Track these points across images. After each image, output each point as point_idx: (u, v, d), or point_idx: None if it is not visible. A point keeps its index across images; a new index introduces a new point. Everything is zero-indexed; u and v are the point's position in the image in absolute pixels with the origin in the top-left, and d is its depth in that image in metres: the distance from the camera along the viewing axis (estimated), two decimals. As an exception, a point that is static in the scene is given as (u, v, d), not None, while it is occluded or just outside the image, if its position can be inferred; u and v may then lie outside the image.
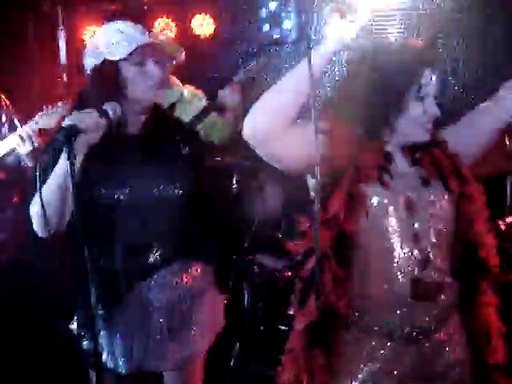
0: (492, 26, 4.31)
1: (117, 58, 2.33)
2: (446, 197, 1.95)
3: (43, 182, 2.17)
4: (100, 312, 2.40)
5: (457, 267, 1.98)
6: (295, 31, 5.00)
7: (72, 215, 2.22)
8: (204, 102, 3.46)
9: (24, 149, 3.43)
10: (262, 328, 3.97)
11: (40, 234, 2.28)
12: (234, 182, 4.09)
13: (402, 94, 1.89)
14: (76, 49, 5.25)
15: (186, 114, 3.12)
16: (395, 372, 1.92)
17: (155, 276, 2.47)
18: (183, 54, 2.46)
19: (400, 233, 1.90)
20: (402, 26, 3.88)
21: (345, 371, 1.92)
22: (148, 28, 4.90)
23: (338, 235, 1.86)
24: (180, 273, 2.52)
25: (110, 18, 5.23)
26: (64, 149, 2.08)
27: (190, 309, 2.52)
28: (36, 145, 3.42)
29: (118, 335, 2.45)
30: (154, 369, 2.50)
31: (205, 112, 3.09)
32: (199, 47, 5.24)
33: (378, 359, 1.92)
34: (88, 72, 2.41)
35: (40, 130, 3.44)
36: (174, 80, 3.53)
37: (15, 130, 3.57)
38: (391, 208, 1.90)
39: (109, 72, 2.34)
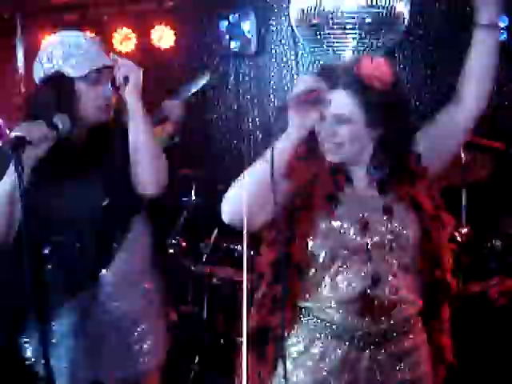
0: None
1: (71, 76, 2.31)
2: (409, 219, 1.97)
3: None
4: (47, 326, 2.38)
5: (419, 286, 2.01)
6: (254, 43, 5.02)
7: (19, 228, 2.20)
8: None
9: None
10: (221, 341, 3.96)
11: None
12: (193, 194, 4.09)
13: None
14: (34, 60, 5.18)
15: None
16: (346, 377, 1.94)
17: (101, 290, 2.45)
18: (141, 75, 2.42)
19: (353, 251, 1.93)
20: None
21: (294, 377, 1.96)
22: (107, 39, 4.94)
23: (284, 255, 1.90)
24: (126, 288, 2.49)
25: (70, 28, 5.20)
26: (12, 161, 2.03)
27: (133, 325, 2.50)
28: None
29: (63, 349, 2.42)
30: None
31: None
32: (159, 59, 5.24)
33: (328, 363, 1.95)
34: (37, 81, 2.39)
35: None
36: None
37: None
38: (343, 229, 1.93)
39: (61, 86, 2.32)
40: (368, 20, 3.81)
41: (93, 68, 2.31)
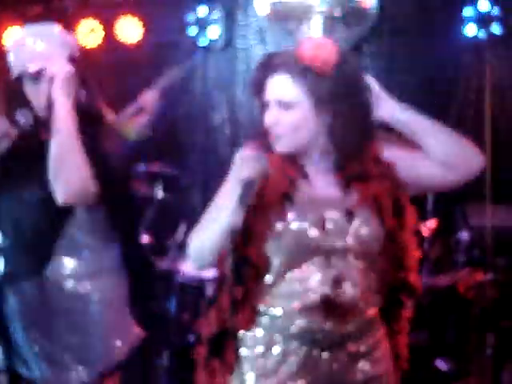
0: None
1: (14, 73, 2.29)
2: (371, 218, 1.90)
3: None
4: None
5: (381, 286, 1.96)
6: (223, 37, 4.97)
7: None
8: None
9: None
10: (191, 339, 3.92)
11: None
12: (161, 190, 4.03)
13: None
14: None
15: None
16: (306, 379, 1.89)
17: (54, 279, 2.41)
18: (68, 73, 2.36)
19: (311, 253, 1.87)
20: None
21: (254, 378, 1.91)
22: (71, 31, 4.83)
23: (241, 255, 1.86)
24: (82, 278, 2.45)
25: (33, 20, 5.09)
26: None
27: (88, 319, 2.45)
28: None
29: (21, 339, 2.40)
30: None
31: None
32: (124, 52, 5.16)
33: (288, 365, 1.89)
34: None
35: None
36: None
37: None
38: (300, 230, 1.86)
39: (10, 84, 2.31)
40: (336, 12, 3.79)
41: (26, 67, 2.26)
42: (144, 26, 5.07)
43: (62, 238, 2.40)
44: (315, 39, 1.93)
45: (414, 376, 2.20)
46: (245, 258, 1.86)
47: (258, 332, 1.91)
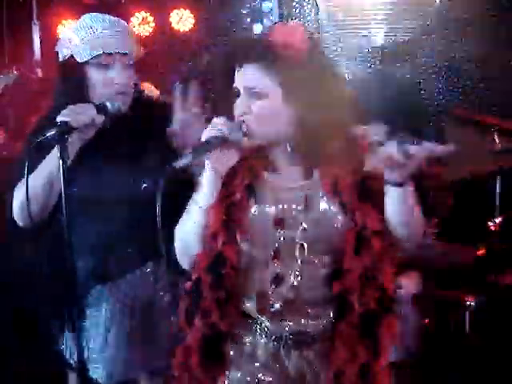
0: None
1: (79, 60, 2.19)
2: (337, 216, 1.79)
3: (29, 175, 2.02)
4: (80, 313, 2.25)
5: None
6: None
7: (55, 207, 2.12)
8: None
9: None
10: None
11: (20, 224, 2.17)
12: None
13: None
14: (51, 44, 5.07)
15: None
16: (275, 375, 1.86)
17: (133, 276, 2.34)
18: (140, 49, 2.33)
19: (264, 249, 1.82)
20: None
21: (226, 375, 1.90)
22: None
23: (216, 255, 1.80)
24: (157, 275, 2.37)
25: (86, 12, 5.07)
26: (56, 146, 1.93)
27: (163, 313, 2.37)
28: None
29: (94, 339, 2.32)
30: (132, 376, 2.37)
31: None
32: (178, 42, 5.11)
33: (256, 359, 1.88)
34: (58, 71, 2.28)
35: None
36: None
37: None
38: (261, 223, 1.81)
39: (71, 71, 2.21)
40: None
41: (98, 52, 2.17)
42: (196, 16, 5.01)
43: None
44: (286, 24, 1.79)
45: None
46: (220, 256, 1.80)
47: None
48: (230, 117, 1.77)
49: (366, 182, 1.78)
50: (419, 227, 1.80)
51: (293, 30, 1.74)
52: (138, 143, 2.28)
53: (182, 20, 5.01)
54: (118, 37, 2.21)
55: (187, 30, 5.04)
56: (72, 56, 2.20)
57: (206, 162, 1.73)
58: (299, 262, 1.81)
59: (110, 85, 2.19)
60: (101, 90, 2.20)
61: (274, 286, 1.81)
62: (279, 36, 1.72)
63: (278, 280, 1.81)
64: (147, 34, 5.09)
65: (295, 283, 1.81)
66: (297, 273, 1.81)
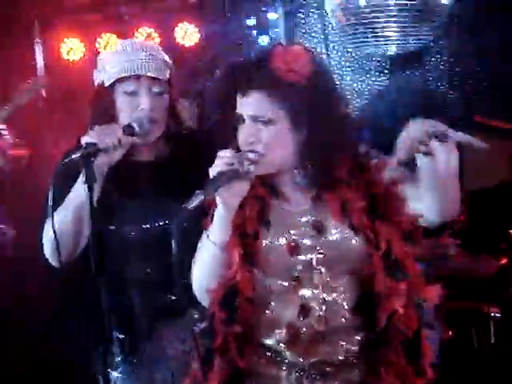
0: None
1: (106, 84, 2.12)
2: (351, 238, 1.75)
3: (55, 209, 1.94)
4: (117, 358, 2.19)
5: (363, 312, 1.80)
6: (282, 38, 4.83)
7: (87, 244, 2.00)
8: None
9: None
10: None
11: (52, 263, 2.06)
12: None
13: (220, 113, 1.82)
14: (53, 62, 5.02)
15: None
16: None
17: (170, 320, 2.20)
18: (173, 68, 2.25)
19: (284, 276, 1.77)
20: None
21: None
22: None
23: (229, 288, 1.74)
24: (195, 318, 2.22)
25: (89, 29, 5.04)
26: (82, 170, 1.85)
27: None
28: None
29: None
30: None
31: None
32: (183, 57, 5.05)
33: None
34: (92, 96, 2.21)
35: None
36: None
37: None
38: (275, 251, 1.76)
39: (103, 100, 2.14)
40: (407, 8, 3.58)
41: (123, 74, 2.08)
42: (201, 30, 4.95)
43: None
44: (289, 48, 1.75)
45: None
46: (233, 289, 1.73)
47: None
48: (233, 145, 1.73)
49: (376, 203, 1.74)
50: (455, 201, 1.73)
51: (296, 55, 1.70)
52: (175, 181, 2.18)
53: (187, 35, 4.94)
54: (148, 60, 2.11)
55: (193, 44, 4.98)
56: (103, 82, 2.14)
57: (217, 197, 1.66)
58: (321, 288, 1.75)
59: (136, 110, 2.09)
60: (128, 116, 2.09)
61: (301, 318, 1.75)
62: (282, 61, 1.67)
63: (305, 311, 1.75)
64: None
65: (321, 313, 1.75)
66: (321, 301, 1.75)
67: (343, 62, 4.81)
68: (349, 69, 4.78)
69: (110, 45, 5.01)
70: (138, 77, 2.09)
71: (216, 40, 4.91)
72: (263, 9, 4.74)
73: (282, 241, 1.75)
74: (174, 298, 2.16)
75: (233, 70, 1.76)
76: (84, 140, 1.90)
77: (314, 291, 1.75)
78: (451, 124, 1.65)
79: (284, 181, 1.79)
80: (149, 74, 2.09)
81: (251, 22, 4.81)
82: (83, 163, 1.83)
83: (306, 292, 1.75)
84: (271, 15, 4.79)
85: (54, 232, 1.84)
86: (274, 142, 1.70)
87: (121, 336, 2.20)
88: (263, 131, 1.69)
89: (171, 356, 2.20)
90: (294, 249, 1.74)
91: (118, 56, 2.13)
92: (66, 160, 1.87)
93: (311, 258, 1.74)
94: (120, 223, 2.13)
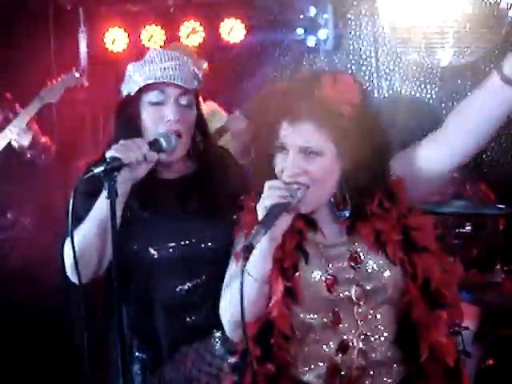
0: None
1: (132, 93, 2.02)
2: (387, 269, 1.70)
3: (77, 226, 1.86)
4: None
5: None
6: (331, 39, 4.69)
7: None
8: (223, 120, 3.54)
9: (24, 139, 3.55)
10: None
11: (73, 281, 1.95)
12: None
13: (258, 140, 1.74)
14: (98, 52, 4.96)
15: None
16: None
17: (194, 341, 2.12)
18: (205, 65, 2.17)
19: (321, 313, 1.71)
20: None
21: None
22: (174, 33, 4.66)
23: (265, 323, 1.68)
24: (223, 340, 2.13)
25: (134, 19, 4.96)
26: (104, 185, 1.76)
27: None
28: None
29: None
30: None
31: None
32: (228, 53, 4.95)
33: None
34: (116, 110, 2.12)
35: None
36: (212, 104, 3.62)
37: None
38: (314, 286, 1.70)
39: (128, 112, 2.04)
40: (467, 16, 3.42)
41: (149, 81, 1.98)
42: (248, 27, 4.84)
43: None
44: (338, 76, 1.68)
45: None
46: (269, 324, 1.68)
47: None
48: (270, 174, 1.67)
49: (409, 234, 1.70)
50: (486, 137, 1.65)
51: (347, 84, 1.65)
52: (201, 199, 2.10)
53: (233, 31, 4.83)
54: (175, 69, 2.00)
55: (237, 41, 4.86)
56: (129, 93, 2.04)
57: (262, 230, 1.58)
58: (360, 322, 1.70)
59: (162, 122, 1.99)
60: (152, 128, 1.99)
61: (341, 355, 1.69)
62: (334, 90, 1.62)
63: (344, 346, 1.69)
64: (196, 44, 4.92)
65: (361, 346, 1.69)
66: (361, 335, 1.70)
67: (391, 67, 4.66)
68: (397, 74, 4.64)
69: (154, 37, 4.94)
70: (164, 87, 1.99)
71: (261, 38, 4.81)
72: (313, 9, 4.58)
73: (320, 274, 1.70)
74: (198, 318, 2.09)
75: (278, 96, 1.68)
76: (108, 154, 1.81)
77: (354, 325, 1.70)
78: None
79: (320, 212, 1.74)
80: (175, 82, 1.98)
81: (300, 21, 4.65)
82: (106, 178, 1.75)
83: (345, 326, 1.70)
84: (320, 15, 4.63)
85: (74, 249, 1.76)
86: (321, 173, 1.65)
87: (142, 355, 2.13)
88: (311, 163, 1.64)
89: (194, 377, 2.12)
90: (333, 283, 1.69)
91: (145, 65, 2.02)
92: (88, 174, 1.78)
93: (350, 291, 1.70)
94: (145, 241, 2.04)
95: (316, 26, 4.63)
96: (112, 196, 1.74)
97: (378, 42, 4.63)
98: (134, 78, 2.02)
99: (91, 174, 1.77)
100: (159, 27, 4.95)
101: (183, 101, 2.02)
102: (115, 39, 4.96)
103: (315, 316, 1.71)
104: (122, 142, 1.87)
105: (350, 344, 1.69)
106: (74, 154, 4.23)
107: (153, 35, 4.92)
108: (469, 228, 3.08)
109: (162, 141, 1.93)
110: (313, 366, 1.73)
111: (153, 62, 2.01)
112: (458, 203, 3.14)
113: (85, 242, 1.88)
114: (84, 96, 4.79)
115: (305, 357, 1.74)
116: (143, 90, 2.00)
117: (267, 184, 1.60)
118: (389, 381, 1.73)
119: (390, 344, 1.73)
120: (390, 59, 4.65)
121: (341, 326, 1.70)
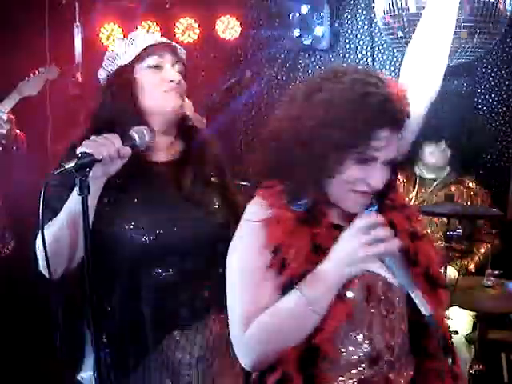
0: None
1: (127, 62, 2.03)
2: None
3: (49, 219, 1.84)
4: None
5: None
6: (327, 37, 4.65)
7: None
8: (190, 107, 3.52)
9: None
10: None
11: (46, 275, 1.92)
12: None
13: (341, 149, 1.52)
14: (92, 47, 4.92)
15: None
16: None
17: (185, 330, 2.08)
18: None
19: (357, 329, 1.65)
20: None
21: None
22: (169, 29, 4.63)
23: (308, 348, 1.55)
24: (211, 326, 2.12)
25: (129, 15, 4.92)
26: (76, 181, 1.74)
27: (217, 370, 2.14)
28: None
29: None
30: None
31: None
32: (223, 51, 4.92)
33: None
34: (102, 86, 2.09)
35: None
36: None
37: None
38: (354, 300, 1.62)
39: (122, 79, 2.03)
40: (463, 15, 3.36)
41: (144, 46, 2.02)
42: (243, 24, 4.81)
43: None
44: (398, 83, 1.60)
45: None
46: (313, 349, 1.55)
47: None
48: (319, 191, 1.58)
49: (411, 224, 1.71)
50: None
51: (404, 88, 1.58)
52: (183, 179, 2.08)
53: (228, 28, 4.80)
54: (166, 40, 2.09)
55: (232, 38, 4.83)
56: (117, 69, 2.04)
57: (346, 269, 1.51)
58: (387, 333, 1.67)
59: (162, 84, 2.03)
60: (153, 90, 2.03)
61: (374, 368, 1.65)
62: (405, 99, 1.56)
63: (376, 359, 1.65)
64: (191, 41, 4.89)
65: (389, 340, 1.67)
66: (390, 348, 1.67)
67: (388, 66, 4.62)
68: (394, 73, 4.59)
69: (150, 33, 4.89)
70: (162, 53, 2.04)
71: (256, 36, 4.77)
72: (308, 7, 4.54)
73: (359, 289, 1.63)
74: (181, 306, 2.06)
75: (375, 103, 1.50)
76: (79, 149, 1.78)
77: (382, 337, 1.66)
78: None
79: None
80: (172, 44, 2.08)
81: (294, 18, 4.61)
82: (77, 174, 1.72)
83: (376, 340, 1.66)
84: (316, 14, 4.58)
85: (44, 245, 1.74)
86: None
87: (113, 346, 2.08)
88: (387, 172, 1.58)
89: (176, 366, 2.09)
90: (370, 294, 1.65)
91: (136, 38, 2.07)
92: (59, 170, 1.75)
93: (379, 304, 1.67)
94: (129, 226, 2.00)
95: (312, 24, 4.57)
96: (83, 192, 1.71)
97: (374, 40, 4.58)
98: (129, 49, 2.04)
99: (62, 169, 1.74)
100: (155, 24, 4.92)
101: (177, 69, 2.07)
102: (110, 35, 4.93)
103: (352, 333, 1.64)
104: (93, 137, 1.84)
105: (381, 356, 1.65)
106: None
107: (148, 31, 4.88)
108: (460, 231, 3.03)
109: (136, 136, 1.91)
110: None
111: (143, 35, 2.07)
112: (449, 205, 3.10)
113: (56, 235, 1.85)
114: (78, 91, 4.77)
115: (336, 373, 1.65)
116: (139, 57, 2.03)
117: (380, 233, 1.49)
118: (410, 372, 1.71)
119: (404, 335, 1.71)
120: (386, 58, 4.61)
121: (373, 340, 1.66)
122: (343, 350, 1.62)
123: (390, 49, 4.50)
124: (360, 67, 1.61)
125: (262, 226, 1.58)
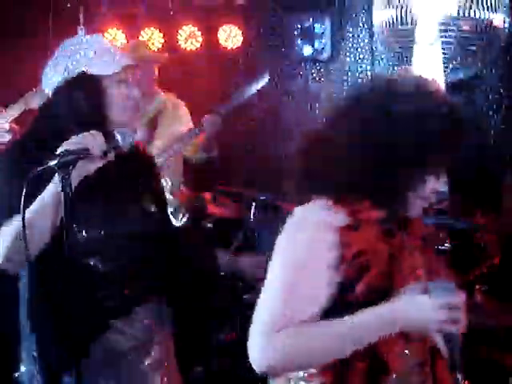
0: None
1: (104, 73, 2.02)
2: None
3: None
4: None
5: None
6: (328, 49, 4.67)
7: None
8: (184, 110, 3.99)
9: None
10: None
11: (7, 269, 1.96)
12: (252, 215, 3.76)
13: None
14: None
15: (167, 121, 3.88)
16: None
17: (121, 320, 2.09)
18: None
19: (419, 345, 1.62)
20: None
21: None
22: (172, 36, 4.65)
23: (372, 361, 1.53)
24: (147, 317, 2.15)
25: (132, 21, 4.96)
26: (58, 177, 1.75)
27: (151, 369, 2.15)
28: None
29: None
30: None
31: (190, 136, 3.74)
32: (225, 59, 4.95)
33: None
34: (50, 91, 2.05)
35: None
36: (156, 89, 4.00)
37: None
38: None
39: (88, 86, 2.02)
40: (459, 33, 3.39)
41: (120, 66, 2.05)
42: (244, 34, 4.84)
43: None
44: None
45: None
46: (378, 362, 1.52)
47: None
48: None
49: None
50: None
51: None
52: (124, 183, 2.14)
53: (231, 37, 4.82)
54: (123, 53, 2.17)
55: (235, 47, 4.85)
56: (81, 75, 2.01)
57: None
58: None
59: (125, 98, 2.07)
60: (117, 102, 2.05)
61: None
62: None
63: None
64: (194, 48, 4.92)
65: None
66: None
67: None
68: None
69: (152, 40, 4.92)
70: (128, 68, 2.09)
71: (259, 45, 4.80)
72: (310, 19, 4.57)
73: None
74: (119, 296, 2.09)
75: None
76: (63, 148, 1.80)
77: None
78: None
79: None
80: (131, 63, 2.11)
81: (296, 30, 4.64)
82: (59, 171, 1.74)
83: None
84: (318, 25, 4.61)
85: (25, 237, 1.73)
86: None
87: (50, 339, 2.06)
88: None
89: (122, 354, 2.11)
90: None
91: (104, 50, 2.07)
92: (42, 167, 1.76)
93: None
94: (72, 222, 1.94)
95: (313, 35, 4.60)
96: (66, 190, 1.72)
97: (375, 54, 4.60)
98: (88, 56, 2.03)
99: (46, 166, 1.75)
100: (157, 31, 4.95)
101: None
102: (113, 40, 4.95)
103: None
104: (80, 135, 1.85)
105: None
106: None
107: (151, 38, 4.91)
108: (448, 245, 3.02)
109: (119, 138, 1.94)
110: None
111: (107, 50, 2.08)
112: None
113: (38, 213, 1.86)
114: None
115: None
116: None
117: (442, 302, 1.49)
118: None
119: None
120: (386, 71, 4.62)
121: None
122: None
123: (390, 63, 4.52)
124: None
125: (336, 228, 1.52)
